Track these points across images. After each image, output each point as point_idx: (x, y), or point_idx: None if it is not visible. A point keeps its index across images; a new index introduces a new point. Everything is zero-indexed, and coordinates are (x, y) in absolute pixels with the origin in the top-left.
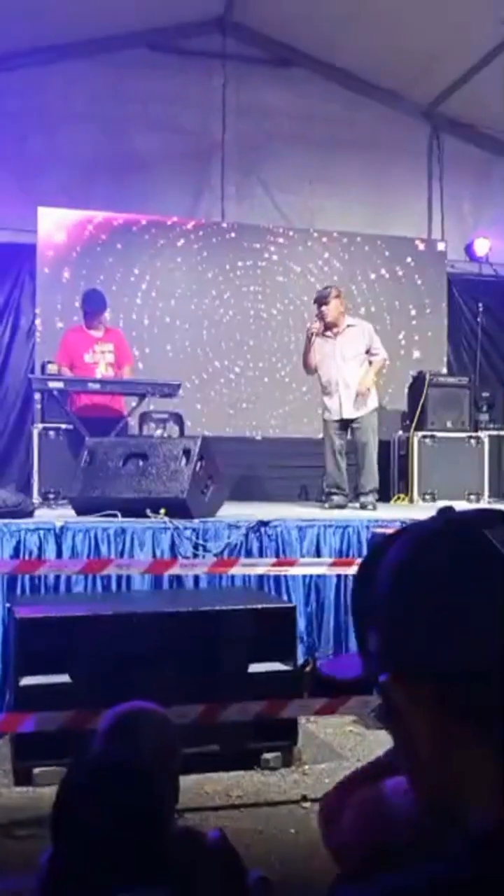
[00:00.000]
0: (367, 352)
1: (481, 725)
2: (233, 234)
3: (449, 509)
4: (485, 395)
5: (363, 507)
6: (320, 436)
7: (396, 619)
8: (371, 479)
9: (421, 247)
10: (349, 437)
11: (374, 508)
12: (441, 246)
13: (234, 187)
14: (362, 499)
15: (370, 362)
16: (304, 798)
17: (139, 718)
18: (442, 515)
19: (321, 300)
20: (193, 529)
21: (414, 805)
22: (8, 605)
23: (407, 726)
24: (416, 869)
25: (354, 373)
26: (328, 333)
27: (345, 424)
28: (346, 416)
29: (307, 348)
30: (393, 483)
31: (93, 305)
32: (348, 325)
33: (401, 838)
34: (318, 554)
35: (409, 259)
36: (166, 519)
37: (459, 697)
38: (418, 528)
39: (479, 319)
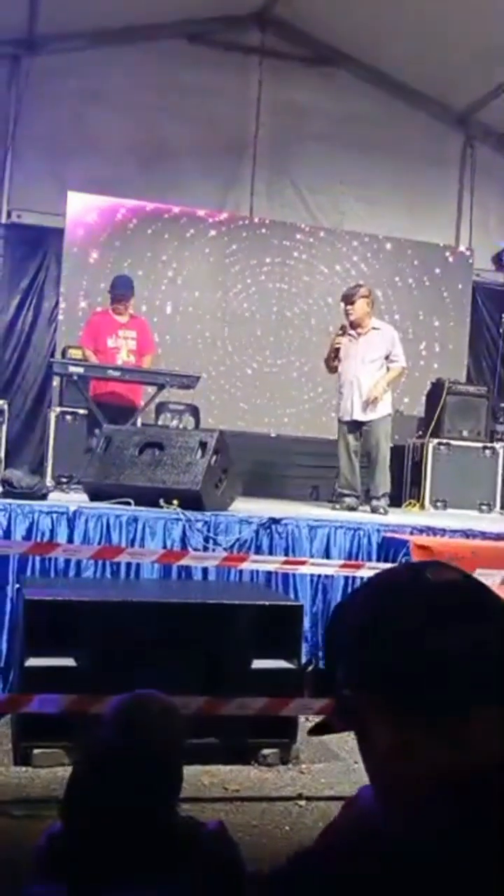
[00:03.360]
0: (387, 357)
1: (427, 715)
2: (263, 230)
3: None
4: (503, 405)
5: (374, 510)
6: (334, 436)
7: (359, 644)
8: (383, 483)
9: (449, 257)
10: (361, 439)
11: (385, 513)
12: (468, 254)
13: (264, 184)
14: (374, 503)
15: (388, 368)
16: (300, 796)
17: (149, 706)
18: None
19: (348, 298)
20: (205, 522)
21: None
22: (17, 585)
23: (368, 729)
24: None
25: (371, 376)
26: (352, 333)
27: (357, 426)
28: (357, 418)
29: (330, 353)
30: (405, 488)
31: (121, 288)
32: (373, 328)
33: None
34: (327, 554)
35: (437, 269)
36: (179, 510)
37: (408, 697)
38: (377, 576)
39: (501, 330)
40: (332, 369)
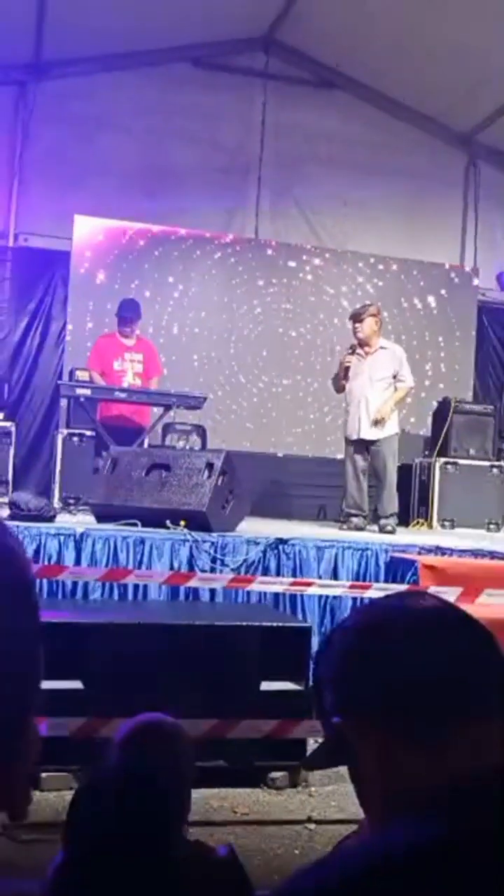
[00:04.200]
0: (395, 377)
1: (415, 737)
2: (268, 251)
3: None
4: None
5: (382, 530)
6: (340, 456)
7: (345, 670)
8: (391, 503)
9: (454, 277)
10: (368, 459)
11: (394, 532)
12: (473, 274)
13: (268, 205)
14: (382, 521)
15: (396, 388)
16: (310, 819)
17: (156, 731)
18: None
19: (356, 317)
20: (212, 543)
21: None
22: None
23: (356, 753)
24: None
25: (378, 395)
26: (360, 352)
27: (364, 445)
28: (364, 436)
29: (339, 372)
30: (413, 508)
31: (128, 312)
32: (381, 347)
33: None
34: (335, 575)
35: (442, 289)
36: (186, 531)
37: (395, 720)
38: (362, 609)
39: None
40: (340, 388)
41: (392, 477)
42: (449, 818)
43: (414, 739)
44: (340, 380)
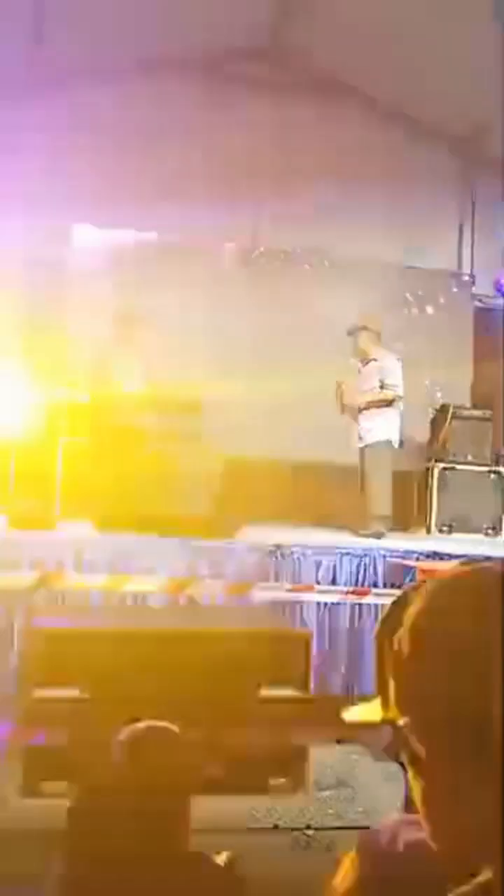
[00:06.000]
0: (382, 387)
1: (480, 761)
2: (268, 260)
3: (468, 564)
4: None
5: (370, 534)
6: (339, 462)
7: (421, 672)
8: (376, 507)
9: (453, 285)
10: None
11: (380, 537)
12: (470, 280)
13: (268, 214)
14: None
15: None
16: (309, 826)
17: (154, 738)
18: (463, 571)
19: (350, 331)
20: (212, 549)
21: (411, 840)
22: (26, 616)
23: (425, 775)
24: None
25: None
26: (359, 365)
27: (361, 454)
28: (357, 444)
29: (336, 393)
30: (411, 514)
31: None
32: (372, 360)
33: (410, 872)
34: (333, 581)
35: (439, 295)
36: (185, 538)
37: (480, 748)
38: (442, 583)
39: None
40: (342, 409)
41: (377, 482)
42: None
43: (485, 768)
44: (338, 401)
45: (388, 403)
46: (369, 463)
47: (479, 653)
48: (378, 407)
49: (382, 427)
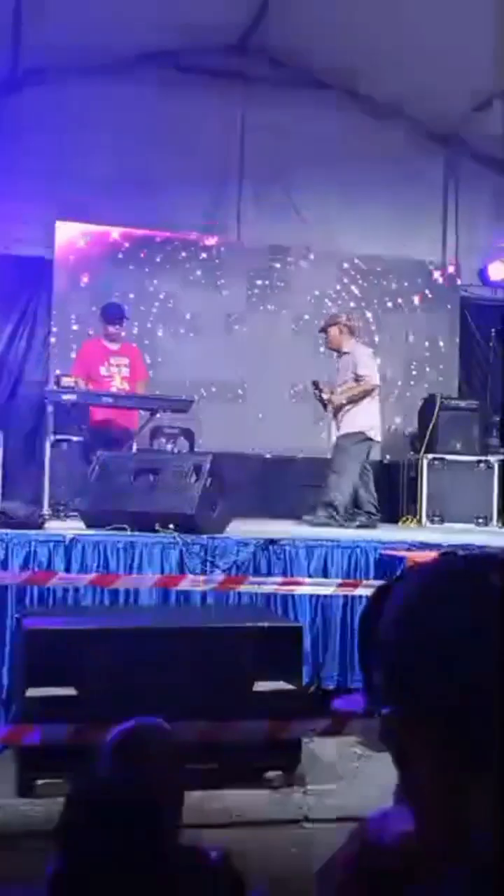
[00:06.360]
0: (356, 380)
1: (484, 763)
2: (252, 253)
3: (452, 553)
4: (495, 419)
5: (358, 526)
6: (328, 455)
7: (404, 662)
8: (327, 493)
9: (437, 276)
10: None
11: (314, 524)
12: (455, 270)
13: (251, 206)
14: (319, 511)
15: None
16: (306, 818)
17: (145, 735)
18: (446, 559)
19: (322, 328)
20: (202, 545)
21: (399, 831)
22: (17, 616)
23: (411, 764)
24: None
25: (338, 399)
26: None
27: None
28: (333, 438)
29: (315, 394)
30: (402, 505)
31: (114, 311)
32: (344, 353)
33: (391, 864)
34: (325, 574)
35: (425, 286)
36: (175, 534)
37: (464, 738)
38: (425, 570)
39: (491, 344)
40: (324, 407)
41: (338, 471)
42: None
43: (479, 762)
44: (319, 401)
45: (365, 395)
46: (336, 449)
47: (459, 641)
48: (355, 400)
49: (355, 417)
